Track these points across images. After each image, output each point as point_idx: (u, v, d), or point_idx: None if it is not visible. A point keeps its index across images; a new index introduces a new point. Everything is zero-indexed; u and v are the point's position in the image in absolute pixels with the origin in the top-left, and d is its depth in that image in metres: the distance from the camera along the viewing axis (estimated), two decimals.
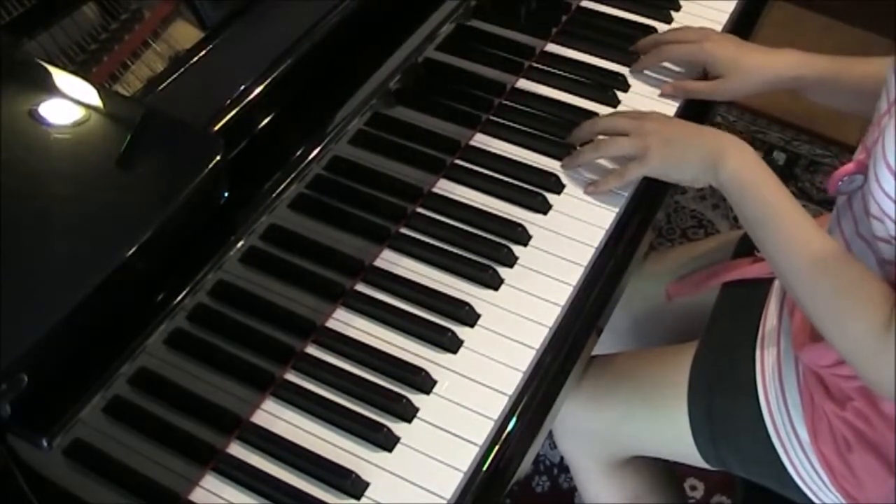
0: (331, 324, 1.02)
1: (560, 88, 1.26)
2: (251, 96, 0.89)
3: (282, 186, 0.90)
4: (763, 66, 1.20)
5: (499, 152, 1.18)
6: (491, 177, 1.15)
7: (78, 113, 0.83)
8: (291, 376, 0.99)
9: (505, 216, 1.11)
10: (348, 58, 0.98)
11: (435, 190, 1.14)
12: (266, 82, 0.90)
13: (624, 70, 1.28)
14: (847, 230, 1.01)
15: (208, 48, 0.92)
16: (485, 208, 1.12)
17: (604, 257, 1.10)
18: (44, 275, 0.74)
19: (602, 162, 1.16)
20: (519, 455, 0.97)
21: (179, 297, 0.82)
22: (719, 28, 1.33)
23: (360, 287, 1.05)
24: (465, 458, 0.93)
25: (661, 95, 1.26)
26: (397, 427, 0.95)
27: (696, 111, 1.25)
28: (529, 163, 1.17)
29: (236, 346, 0.93)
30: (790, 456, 1.08)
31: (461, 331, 1.02)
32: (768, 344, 1.12)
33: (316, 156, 0.93)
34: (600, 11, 1.36)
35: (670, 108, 1.24)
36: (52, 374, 0.73)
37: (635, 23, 1.35)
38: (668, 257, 1.37)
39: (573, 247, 1.09)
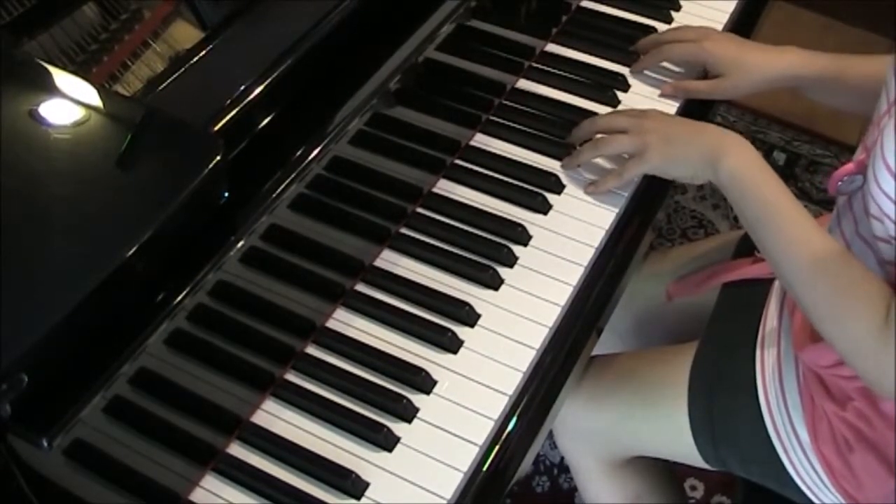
0: (331, 324, 1.02)
1: (560, 88, 1.26)
2: (251, 96, 0.89)
3: (282, 186, 0.90)
4: (763, 64, 1.20)
5: (499, 152, 1.18)
6: (491, 177, 1.15)
7: (78, 113, 0.83)
8: (291, 376, 0.99)
9: (505, 216, 1.11)
10: (348, 58, 0.98)
11: (435, 190, 1.14)
12: (266, 82, 0.90)
13: (624, 70, 1.28)
14: (847, 230, 1.01)
15: (208, 48, 0.92)
16: (485, 208, 1.12)
17: (604, 257, 1.10)
18: (44, 275, 0.74)
19: (602, 162, 1.16)
20: (519, 455, 0.97)
21: (179, 298, 0.82)
22: (719, 28, 1.33)
23: (360, 287, 1.05)
24: (465, 458, 0.93)
25: (661, 95, 1.26)
26: (397, 427, 0.95)
27: (696, 111, 1.25)
28: (529, 163, 1.17)
29: (236, 346, 0.93)
30: (790, 456, 1.08)
31: (461, 331, 1.02)
32: (768, 344, 1.12)
33: (316, 156, 0.93)
34: (600, 11, 1.36)
35: (670, 108, 1.24)
36: (52, 374, 0.73)
37: (635, 23, 1.35)
38: (668, 257, 1.37)
39: (573, 247, 1.09)
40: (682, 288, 1.26)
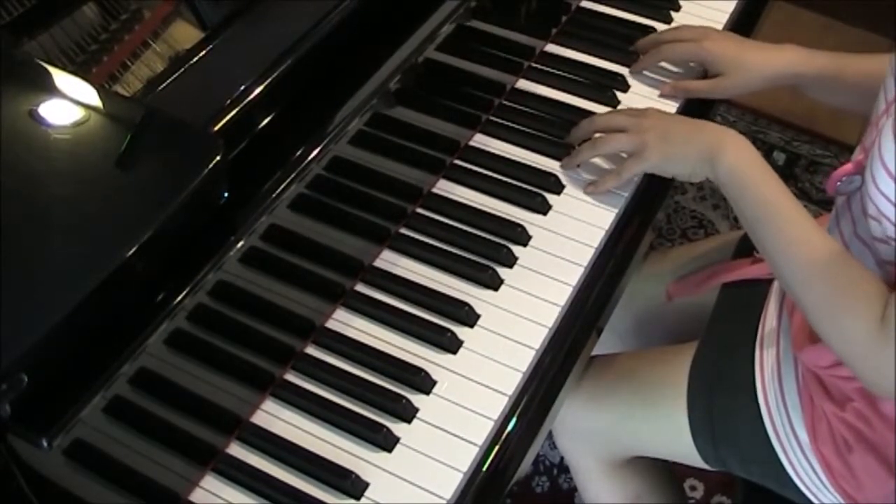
0: (330, 324, 1.02)
1: (560, 89, 1.26)
2: (251, 96, 0.89)
3: (282, 186, 0.90)
4: (763, 63, 1.20)
5: (498, 152, 1.18)
6: (490, 177, 1.15)
7: (78, 113, 0.83)
8: (291, 376, 0.99)
9: (504, 216, 1.11)
10: (348, 58, 0.98)
11: (435, 190, 1.14)
12: (266, 82, 0.90)
13: (623, 70, 1.28)
14: (846, 231, 1.01)
15: (208, 48, 0.92)
16: (484, 208, 1.12)
17: (603, 257, 1.10)
18: (44, 275, 0.74)
19: (602, 162, 1.16)
20: (519, 455, 0.97)
21: (179, 298, 0.82)
22: (719, 28, 1.33)
23: (360, 287, 1.05)
24: (464, 458, 0.93)
25: (661, 95, 1.26)
26: (397, 427, 0.95)
27: (695, 110, 1.25)
28: (529, 163, 1.17)
29: (236, 346, 0.93)
30: (789, 456, 1.08)
31: (461, 331, 1.02)
32: (768, 344, 1.12)
33: (316, 156, 0.93)
34: (600, 12, 1.36)
35: (670, 108, 1.24)
36: (52, 374, 0.73)
37: (635, 23, 1.35)
38: (668, 257, 1.37)
39: (573, 247, 1.09)
40: (682, 288, 1.26)
